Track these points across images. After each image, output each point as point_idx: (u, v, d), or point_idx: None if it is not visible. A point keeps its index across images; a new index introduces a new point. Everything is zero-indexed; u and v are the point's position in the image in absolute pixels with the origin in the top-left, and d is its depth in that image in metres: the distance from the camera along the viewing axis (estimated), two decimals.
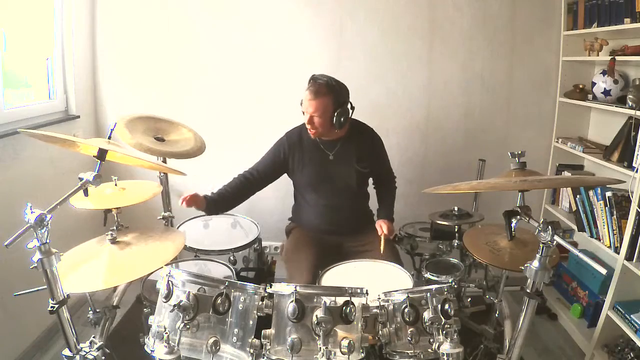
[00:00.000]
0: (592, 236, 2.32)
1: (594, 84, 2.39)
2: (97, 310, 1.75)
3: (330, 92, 1.90)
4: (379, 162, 2.17)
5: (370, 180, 2.24)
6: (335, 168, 2.05)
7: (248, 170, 2.10)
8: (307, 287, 1.29)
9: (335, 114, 1.91)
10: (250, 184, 2.07)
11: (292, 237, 2.15)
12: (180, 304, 1.19)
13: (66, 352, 1.23)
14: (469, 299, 2.06)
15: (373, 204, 2.25)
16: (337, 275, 1.74)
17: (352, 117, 2.10)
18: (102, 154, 1.35)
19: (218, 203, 1.98)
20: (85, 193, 1.30)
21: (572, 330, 2.46)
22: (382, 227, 2.00)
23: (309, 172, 2.07)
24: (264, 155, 2.12)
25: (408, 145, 2.83)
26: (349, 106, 1.97)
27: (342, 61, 2.70)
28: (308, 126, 1.95)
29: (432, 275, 1.96)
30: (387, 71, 2.74)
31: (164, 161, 2.09)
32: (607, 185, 2.19)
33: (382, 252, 1.87)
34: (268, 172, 2.09)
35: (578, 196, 2.38)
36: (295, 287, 1.25)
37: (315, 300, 1.25)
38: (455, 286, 1.59)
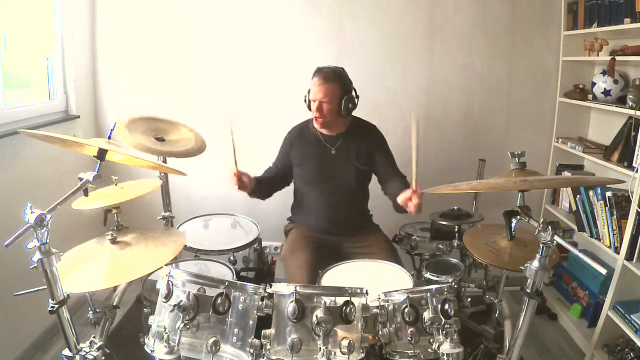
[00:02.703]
0: (592, 236, 2.32)
1: (594, 84, 2.39)
2: (97, 310, 1.75)
3: (338, 79, 1.96)
4: (381, 159, 2.13)
5: (375, 180, 2.22)
6: (336, 164, 2.06)
7: (273, 163, 2.19)
8: (307, 287, 1.29)
9: (343, 100, 1.95)
10: (277, 177, 2.14)
11: (290, 238, 2.15)
12: (180, 304, 1.19)
13: (66, 352, 1.23)
14: (469, 299, 2.06)
15: (372, 205, 2.25)
16: (337, 275, 1.74)
17: (354, 114, 2.10)
18: (102, 154, 1.35)
19: (260, 183, 2.02)
20: (85, 193, 1.30)
21: (572, 330, 2.46)
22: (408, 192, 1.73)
23: (309, 167, 2.08)
24: (278, 152, 2.19)
25: (407, 145, 2.79)
26: (354, 94, 2.01)
27: (342, 61, 2.66)
28: (316, 114, 1.97)
29: (432, 275, 1.96)
30: (387, 71, 2.74)
31: (164, 161, 2.09)
32: (607, 185, 2.19)
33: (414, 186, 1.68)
34: (285, 167, 2.15)
35: (578, 196, 2.38)
36: (295, 287, 1.25)
37: (315, 300, 1.25)
38: (455, 286, 1.60)
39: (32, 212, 1.08)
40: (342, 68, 2.01)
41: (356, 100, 2.01)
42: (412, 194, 1.69)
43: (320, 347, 1.19)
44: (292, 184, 2.22)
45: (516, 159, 1.52)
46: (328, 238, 2.09)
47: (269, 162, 2.23)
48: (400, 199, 1.73)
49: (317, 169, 2.07)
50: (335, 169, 2.06)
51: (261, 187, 2.03)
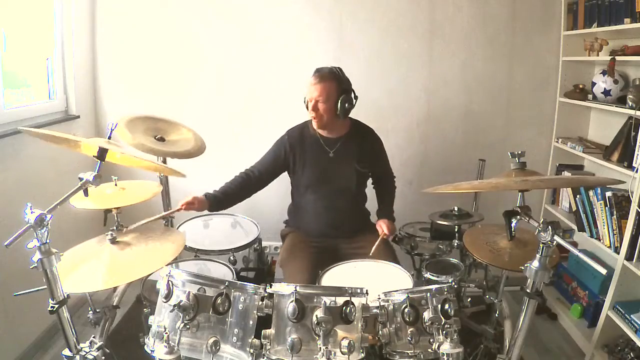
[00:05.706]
0: (592, 236, 2.32)
1: (594, 84, 2.39)
2: (97, 310, 1.75)
3: (334, 78, 1.93)
4: (379, 163, 2.17)
5: (369, 181, 2.23)
6: (335, 167, 2.05)
7: (249, 168, 2.10)
8: (307, 287, 1.29)
9: (340, 100, 1.92)
10: (252, 182, 2.06)
11: (288, 243, 2.12)
12: (180, 304, 1.19)
13: (66, 352, 1.23)
14: (469, 299, 2.06)
15: (370, 205, 2.25)
16: (337, 275, 1.74)
17: (353, 117, 2.10)
18: (102, 153, 1.35)
19: (221, 201, 1.98)
20: (85, 193, 1.30)
21: (572, 330, 2.46)
22: (382, 227, 2.00)
23: (309, 171, 2.06)
24: (265, 154, 2.12)
25: (408, 145, 2.83)
26: (352, 95, 1.97)
27: (342, 61, 2.66)
28: (312, 114, 1.95)
29: (432, 275, 1.95)
30: (387, 71, 2.74)
31: (164, 161, 2.09)
32: (607, 185, 2.19)
33: (371, 254, 1.85)
34: (269, 171, 2.09)
35: (578, 196, 2.38)
36: (295, 287, 1.25)
37: (315, 300, 1.25)
38: (455, 286, 1.59)
39: (32, 212, 1.08)
40: (339, 68, 1.98)
41: (354, 101, 1.98)
42: (382, 233, 1.99)
43: (320, 347, 1.19)
44: (289, 187, 2.21)
45: (516, 159, 1.52)
46: (326, 242, 2.08)
47: None
48: (377, 223, 2.07)
49: (317, 172, 2.05)
50: (334, 172, 2.05)
51: (224, 203, 1.99)
